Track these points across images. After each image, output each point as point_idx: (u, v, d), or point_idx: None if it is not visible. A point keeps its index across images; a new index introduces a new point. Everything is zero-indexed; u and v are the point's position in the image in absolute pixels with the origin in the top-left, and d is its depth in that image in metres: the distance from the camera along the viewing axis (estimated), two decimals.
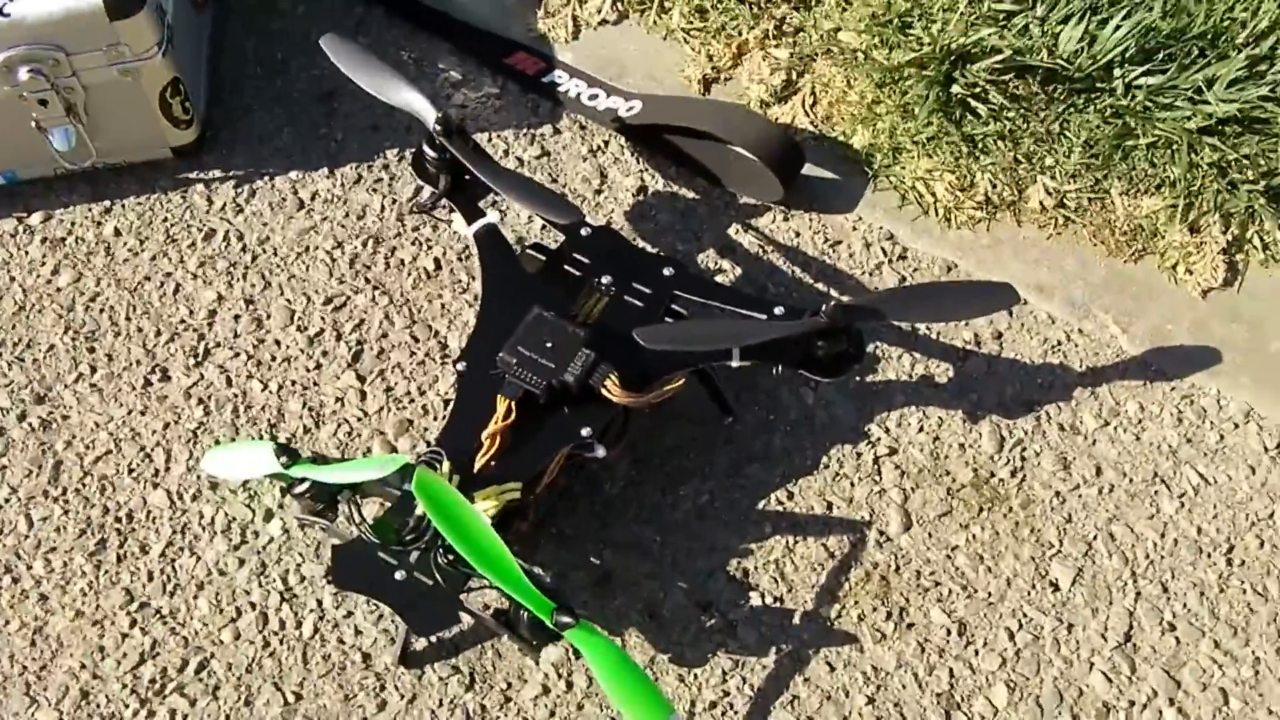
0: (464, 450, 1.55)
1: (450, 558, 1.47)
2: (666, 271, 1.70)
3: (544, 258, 1.74)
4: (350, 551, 1.52)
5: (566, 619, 1.41)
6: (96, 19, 1.73)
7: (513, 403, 1.57)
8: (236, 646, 1.64)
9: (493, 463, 1.55)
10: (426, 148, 1.75)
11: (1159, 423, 1.81)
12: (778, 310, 1.67)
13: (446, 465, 1.52)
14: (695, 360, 1.64)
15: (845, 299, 1.60)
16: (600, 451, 1.60)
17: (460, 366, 1.63)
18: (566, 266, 1.71)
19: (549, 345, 1.59)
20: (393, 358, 1.84)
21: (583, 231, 1.74)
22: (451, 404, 1.67)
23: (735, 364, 1.63)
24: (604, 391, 1.58)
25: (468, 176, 1.76)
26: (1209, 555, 1.72)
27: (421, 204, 1.91)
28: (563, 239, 1.75)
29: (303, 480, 1.57)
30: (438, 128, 1.70)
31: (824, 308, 1.57)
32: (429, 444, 1.62)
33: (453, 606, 1.50)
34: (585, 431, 1.58)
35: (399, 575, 1.48)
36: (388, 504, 1.57)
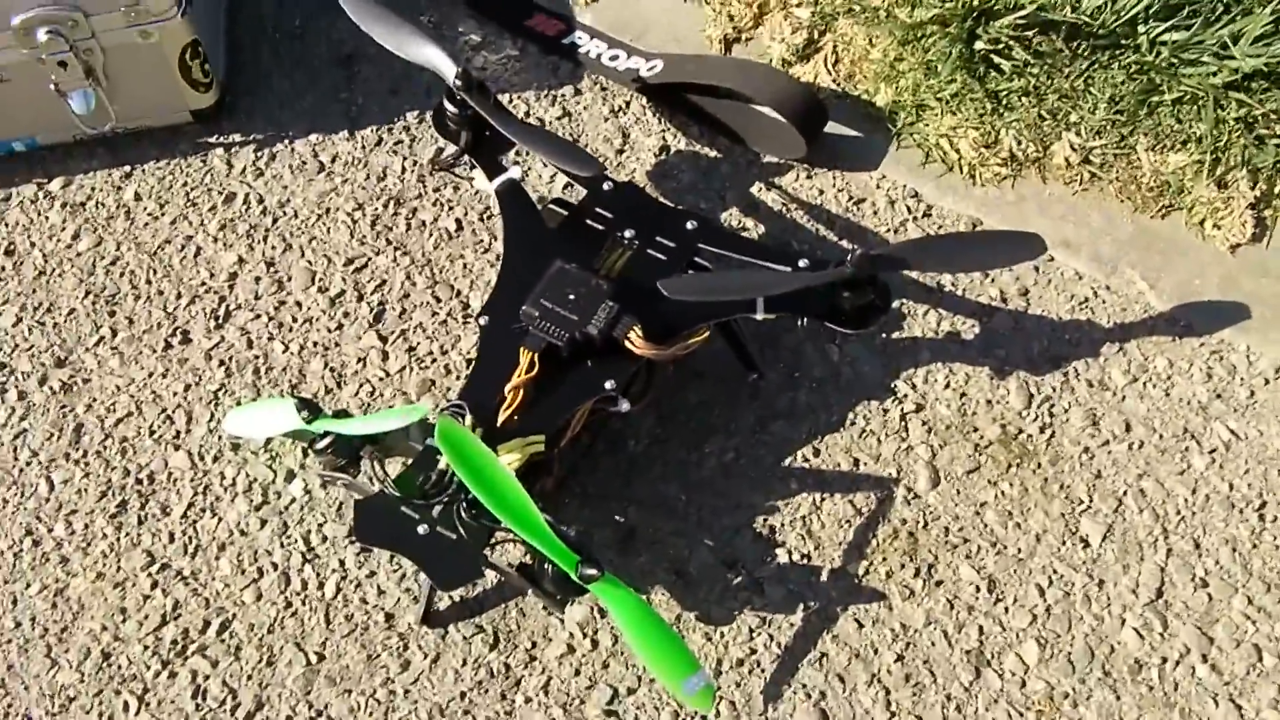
0: (487, 404, 1.54)
1: (473, 511, 1.46)
2: (690, 225, 1.69)
3: (566, 212, 1.73)
4: (373, 506, 1.50)
5: (592, 571, 1.40)
6: None
7: (535, 355, 1.56)
8: (258, 607, 1.63)
9: (516, 416, 1.54)
10: (447, 103, 1.74)
11: (1188, 378, 1.79)
12: (802, 263, 1.65)
13: (469, 418, 1.51)
14: (719, 312, 1.63)
15: (870, 249, 1.58)
16: (624, 405, 1.59)
17: (483, 320, 1.62)
18: (589, 221, 1.70)
19: (572, 298, 1.58)
20: (415, 318, 1.83)
21: (605, 186, 1.73)
22: (474, 358, 1.65)
23: (760, 316, 1.61)
24: (627, 344, 1.57)
25: (488, 132, 1.75)
26: (1241, 511, 1.70)
27: (443, 161, 1.90)
28: (585, 195, 1.74)
29: (325, 435, 1.56)
30: (458, 83, 1.69)
31: (849, 257, 1.55)
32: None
33: (476, 560, 1.49)
34: (609, 384, 1.57)
35: (422, 529, 1.47)
36: (410, 461, 1.55)
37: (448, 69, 1.70)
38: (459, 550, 1.47)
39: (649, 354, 1.57)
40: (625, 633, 1.44)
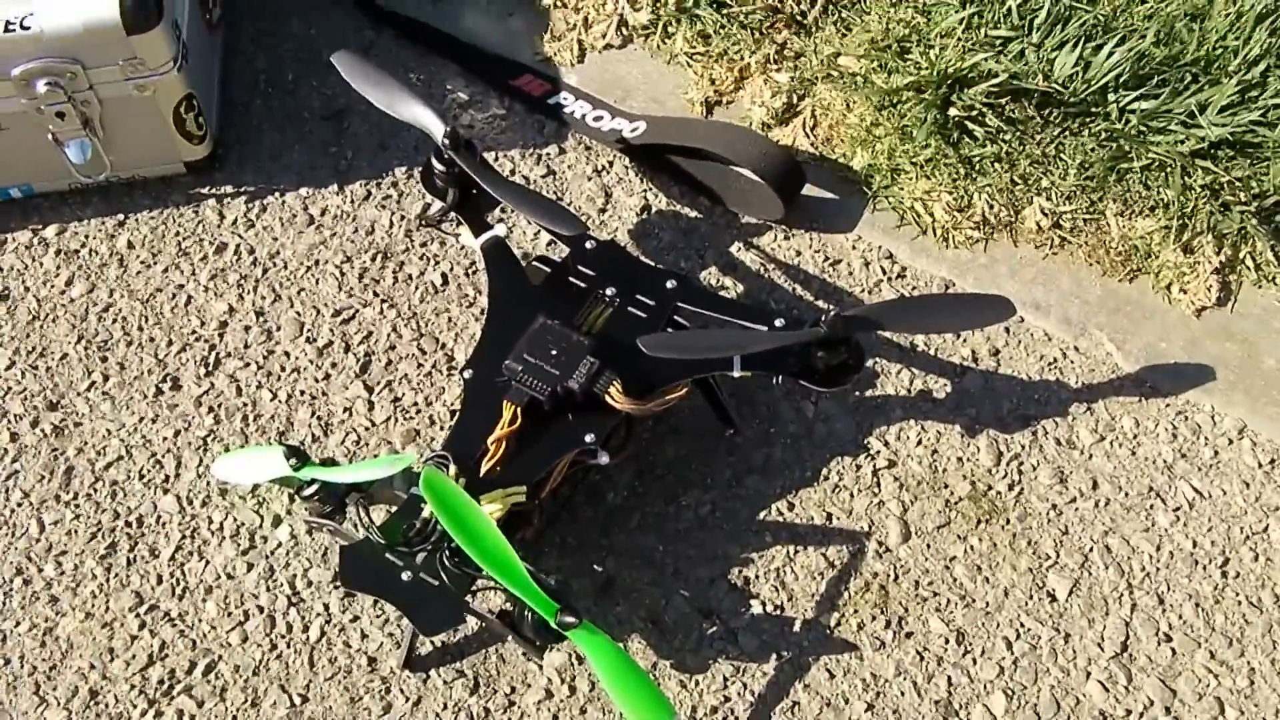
0: (470, 455, 1.57)
1: (456, 559, 1.50)
2: (669, 284, 1.73)
3: (549, 270, 1.77)
4: (358, 552, 1.54)
5: (570, 619, 1.43)
6: (114, 33, 1.76)
7: (518, 408, 1.59)
8: (244, 649, 1.66)
9: (498, 468, 1.57)
10: (435, 161, 1.79)
11: (1154, 438, 1.83)
12: (778, 322, 1.70)
13: (453, 469, 1.54)
14: (697, 369, 1.67)
15: (844, 310, 1.63)
16: (604, 458, 1.62)
17: (467, 374, 1.65)
18: (571, 278, 1.74)
19: (554, 353, 1.62)
20: (400, 369, 1.86)
21: (587, 245, 1.78)
22: (458, 411, 1.69)
23: (736, 374, 1.66)
24: (608, 399, 1.61)
25: (475, 190, 1.79)
26: (1204, 568, 1.74)
27: (430, 217, 1.94)
28: (568, 252, 1.79)
29: (312, 482, 1.60)
30: (446, 141, 1.73)
31: (823, 318, 1.60)
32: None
33: (458, 606, 1.52)
34: (589, 438, 1.60)
35: (406, 576, 1.50)
36: (395, 508, 1.59)
37: (436, 128, 1.74)
38: (442, 597, 1.50)
39: (629, 409, 1.61)
40: (602, 679, 1.48)
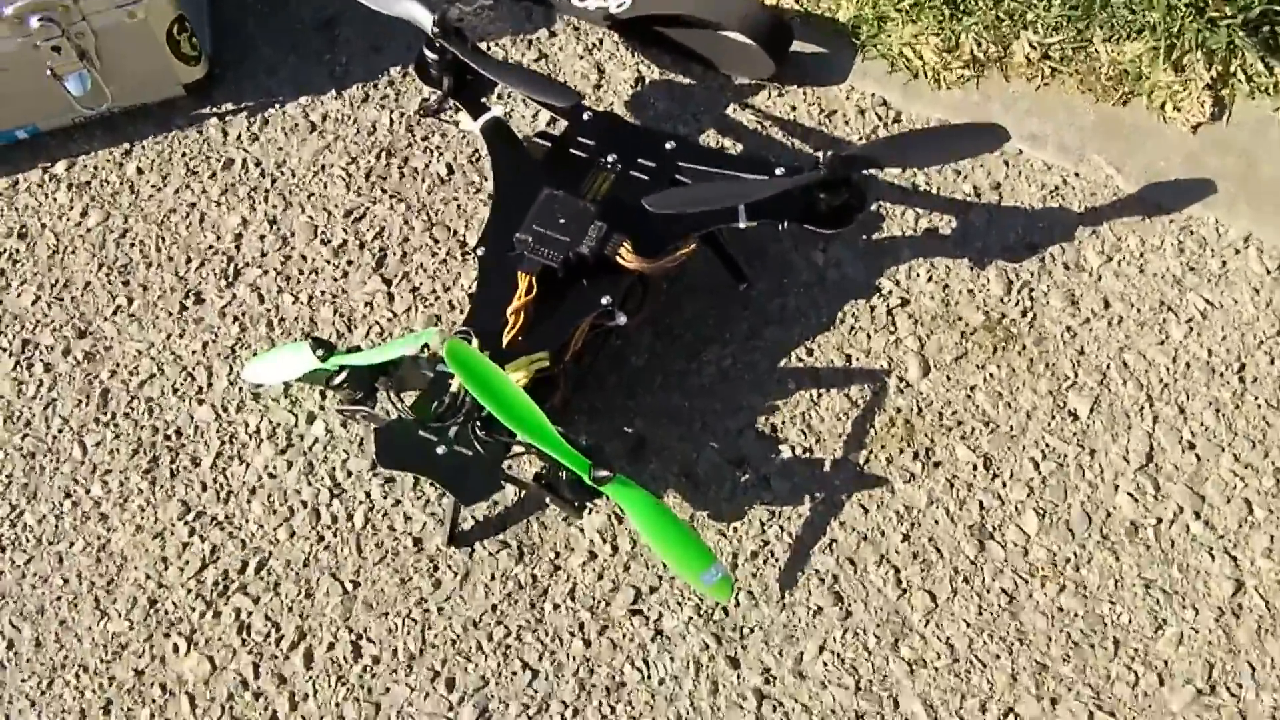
0: (491, 328, 1.61)
1: (488, 428, 1.54)
2: (669, 145, 1.76)
3: (550, 144, 1.80)
4: (392, 431, 1.58)
5: (604, 473, 1.47)
6: None
7: (533, 278, 1.63)
8: (292, 544, 1.71)
9: (519, 338, 1.61)
10: (428, 51, 1.81)
11: (1161, 254, 1.85)
12: (778, 170, 1.72)
13: (476, 342, 1.58)
14: (704, 222, 1.70)
15: (842, 150, 1.65)
16: (621, 319, 1.66)
17: (480, 251, 1.69)
18: (572, 150, 1.77)
19: (562, 221, 1.65)
20: (416, 260, 1.90)
21: (585, 116, 1.80)
22: (474, 288, 1.72)
23: (743, 224, 1.69)
24: (619, 260, 1.64)
25: (469, 75, 1.82)
26: (1221, 375, 1.77)
27: (429, 107, 1.97)
28: (566, 126, 1.81)
29: (340, 370, 1.64)
30: (436, 29, 1.75)
31: (821, 160, 1.62)
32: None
33: (495, 473, 1.56)
34: (605, 300, 1.64)
35: (441, 450, 1.54)
36: (422, 389, 1.63)
37: (425, 18, 1.77)
38: (478, 465, 1.54)
39: (640, 268, 1.64)
40: (642, 532, 1.52)
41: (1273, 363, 1.77)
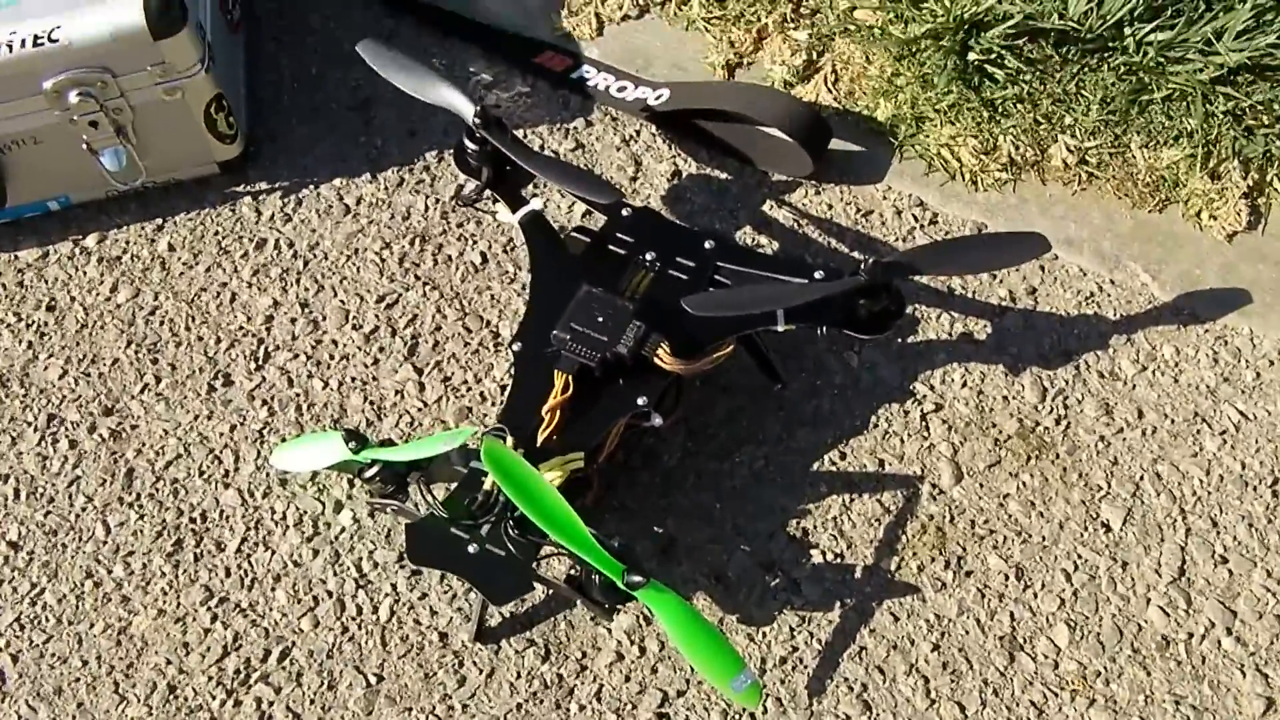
0: (525, 426, 1.60)
1: (521, 528, 1.52)
2: (708, 245, 1.75)
3: (588, 239, 1.79)
4: (423, 528, 1.57)
5: (638, 578, 1.46)
6: (141, 39, 1.78)
7: (569, 377, 1.62)
8: (316, 634, 1.69)
9: (554, 436, 1.60)
10: (467, 141, 1.81)
11: (1195, 364, 1.85)
12: (818, 274, 1.72)
13: (510, 440, 1.57)
14: (742, 325, 1.69)
15: (883, 257, 1.65)
16: (656, 420, 1.65)
17: (516, 347, 1.68)
18: (611, 246, 1.76)
19: (600, 320, 1.65)
20: (448, 349, 1.89)
21: (624, 212, 1.80)
22: (509, 385, 1.72)
23: (781, 328, 1.67)
24: (656, 360, 1.64)
25: (509, 166, 1.81)
26: (1254, 488, 1.76)
27: (467, 197, 1.97)
28: (605, 221, 1.81)
29: (373, 464, 1.63)
30: (477, 120, 1.75)
31: (862, 266, 1.62)
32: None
33: (527, 574, 1.55)
34: (641, 401, 1.63)
35: (472, 548, 1.53)
36: (455, 484, 1.61)
37: (466, 108, 1.76)
38: (509, 566, 1.53)
39: (678, 369, 1.63)
40: (672, 636, 1.50)
41: None
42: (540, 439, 1.59)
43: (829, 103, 2.08)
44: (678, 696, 1.63)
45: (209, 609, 1.71)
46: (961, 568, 1.71)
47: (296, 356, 1.89)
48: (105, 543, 1.76)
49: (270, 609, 1.71)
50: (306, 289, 1.95)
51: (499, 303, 1.92)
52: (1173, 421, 1.81)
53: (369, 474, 1.64)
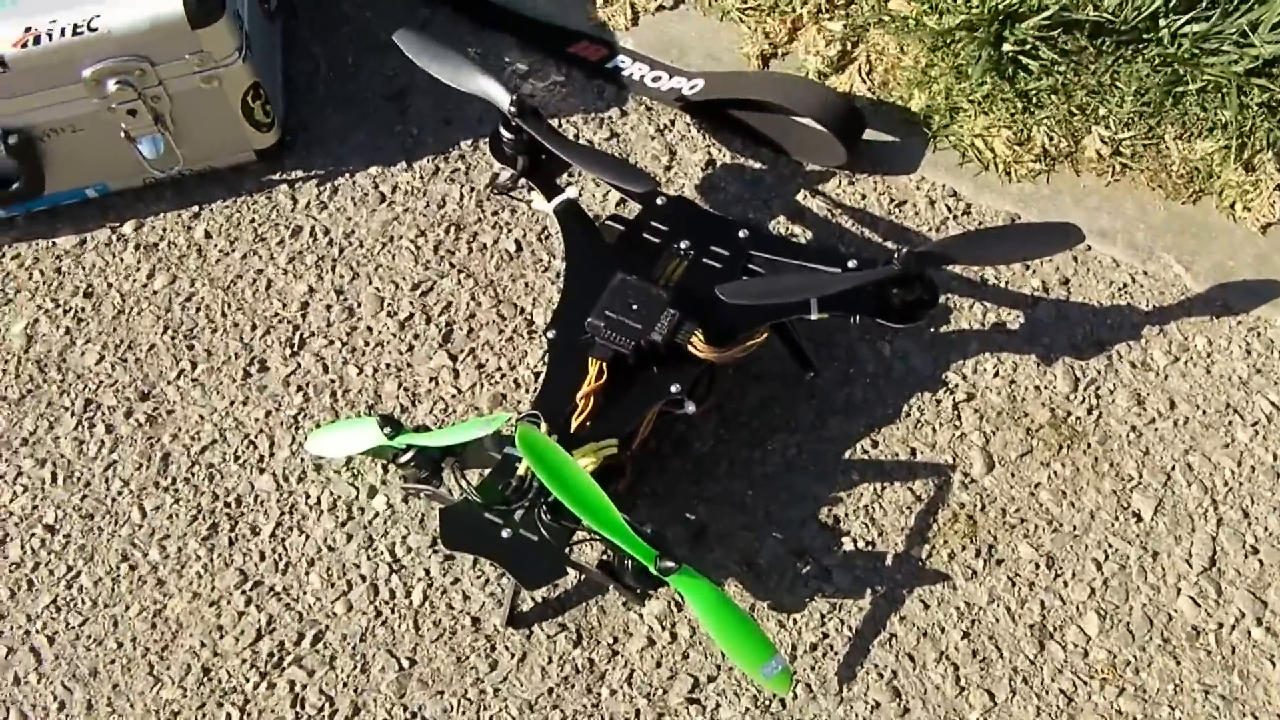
0: (559, 413, 1.61)
1: (554, 513, 1.54)
2: (741, 234, 1.76)
3: (623, 228, 1.80)
4: (457, 513, 1.58)
5: (670, 564, 1.47)
6: (179, 28, 1.80)
7: (604, 364, 1.63)
8: (349, 618, 1.70)
9: (588, 423, 1.61)
10: (503, 130, 1.82)
11: (1228, 355, 1.85)
12: (851, 263, 1.72)
13: (544, 426, 1.58)
14: (775, 313, 1.70)
15: (917, 247, 1.65)
16: (690, 407, 1.65)
17: (550, 334, 1.69)
18: (645, 234, 1.77)
19: (635, 307, 1.65)
20: (482, 336, 1.90)
21: (658, 201, 1.80)
22: (544, 371, 1.73)
23: (814, 316, 1.68)
24: (690, 348, 1.64)
25: (544, 155, 1.82)
26: None
27: (502, 185, 1.98)
28: (639, 210, 1.81)
29: (408, 449, 1.64)
30: (513, 109, 1.76)
31: (896, 256, 1.62)
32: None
33: (560, 559, 1.56)
34: (674, 388, 1.64)
35: (505, 533, 1.54)
36: (488, 470, 1.63)
37: (502, 97, 1.77)
38: (542, 551, 1.54)
39: (711, 357, 1.64)
40: (703, 622, 1.51)
41: None
42: (574, 425, 1.61)
43: (863, 93, 2.09)
44: (708, 682, 1.64)
45: (243, 593, 1.73)
46: (992, 556, 1.71)
47: (332, 343, 1.91)
48: (141, 526, 1.78)
49: (304, 593, 1.72)
50: (342, 276, 1.96)
51: (533, 290, 1.93)
52: (1204, 412, 1.81)
53: (404, 459, 1.66)
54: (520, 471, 1.57)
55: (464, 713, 1.63)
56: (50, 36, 1.78)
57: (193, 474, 1.81)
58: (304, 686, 1.66)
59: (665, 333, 1.64)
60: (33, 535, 1.78)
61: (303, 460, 1.81)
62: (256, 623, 1.71)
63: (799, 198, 2.01)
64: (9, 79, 1.81)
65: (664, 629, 1.67)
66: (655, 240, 1.76)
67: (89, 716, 1.66)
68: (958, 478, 1.77)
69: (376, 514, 1.76)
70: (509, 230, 1.99)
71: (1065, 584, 1.69)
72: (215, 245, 2.00)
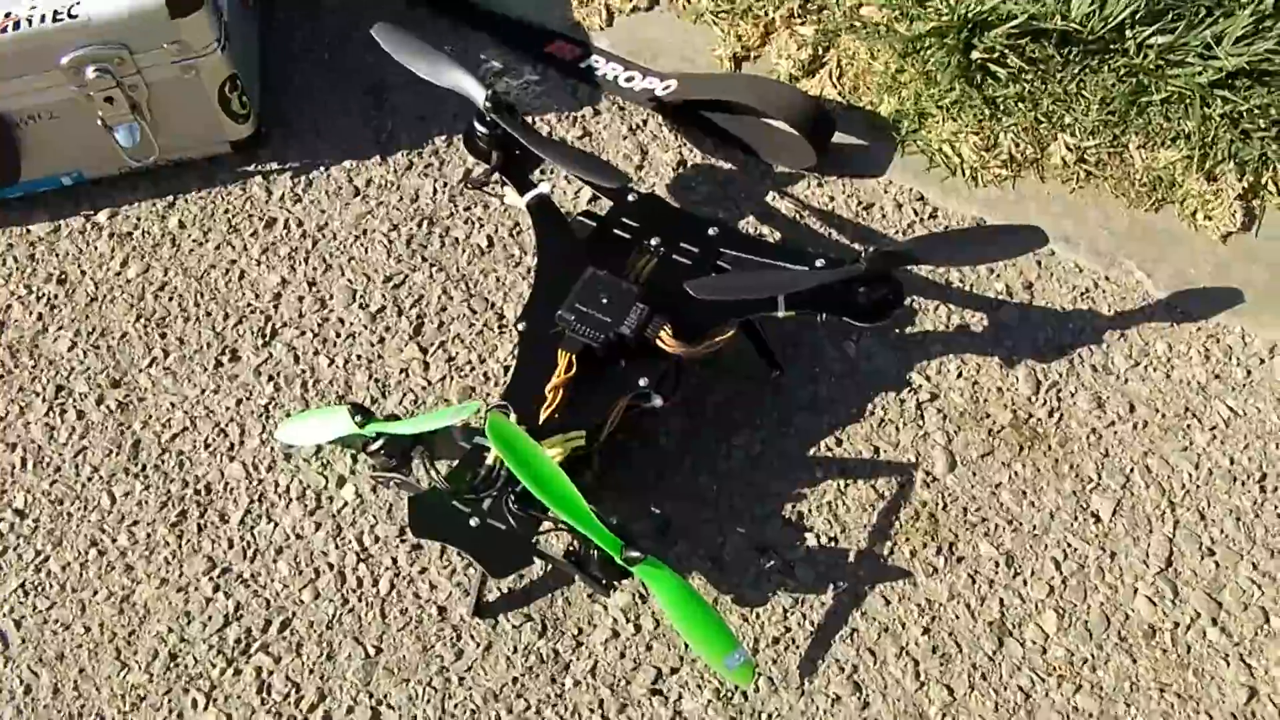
0: (528, 404, 1.62)
1: (522, 503, 1.55)
2: (711, 231, 1.78)
3: (594, 223, 1.82)
4: (425, 501, 1.59)
5: (635, 554, 1.48)
6: (159, 17, 1.82)
7: (573, 356, 1.64)
8: (317, 605, 1.72)
9: (556, 414, 1.63)
10: (478, 125, 1.84)
11: (1187, 361, 1.88)
12: (818, 262, 1.74)
13: (514, 416, 1.59)
14: (743, 310, 1.72)
15: (883, 246, 1.68)
16: (657, 401, 1.67)
17: (521, 326, 1.71)
18: (616, 230, 1.79)
19: (605, 301, 1.67)
20: (453, 329, 1.92)
21: (629, 198, 1.82)
22: (514, 362, 1.74)
23: (781, 314, 1.70)
24: (658, 343, 1.66)
25: (518, 151, 1.84)
26: (1242, 483, 1.79)
27: (475, 179, 1.99)
28: (611, 206, 1.83)
29: (378, 437, 1.65)
30: (488, 104, 1.77)
31: (862, 255, 1.65)
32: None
33: (527, 548, 1.57)
34: (642, 382, 1.65)
35: (473, 522, 1.56)
36: (457, 459, 1.64)
37: (477, 92, 1.79)
38: (510, 540, 1.56)
39: (679, 352, 1.66)
40: (668, 612, 1.53)
41: None
42: (543, 416, 1.62)
43: (833, 97, 2.11)
44: (671, 673, 1.66)
45: (211, 579, 1.74)
46: (953, 554, 1.74)
47: (303, 334, 1.92)
48: (110, 512, 1.79)
49: (272, 580, 1.73)
50: (315, 268, 1.98)
51: (504, 285, 1.95)
52: (1164, 416, 1.83)
53: (373, 447, 1.67)
54: (489, 461, 1.58)
55: (429, 700, 1.65)
56: (30, 22, 1.80)
57: (163, 461, 1.83)
58: (270, 673, 1.67)
59: (634, 327, 1.66)
60: (1, 519, 1.79)
61: (273, 449, 1.82)
62: (224, 609, 1.72)
63: (769, 198, 2.03)
64: None
65: (628, 621, 1.69)
66: (626, 236, 1.78)
67: (55, 700, 1.67)
68: (920, 476, 1.79)
69: (345, 503, 1.78)
70: (481, 225, 2.01)
71: (1024, 582, 1.72)
72: (189, 235, 2.02)
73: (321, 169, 2.08)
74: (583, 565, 1.58)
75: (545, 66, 2.18)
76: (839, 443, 1.81)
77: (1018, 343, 1.89)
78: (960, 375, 1.86)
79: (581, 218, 1.84)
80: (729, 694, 1.64)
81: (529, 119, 2.10)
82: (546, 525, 1.58)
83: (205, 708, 1.65)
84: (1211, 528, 1.75)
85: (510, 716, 1.64)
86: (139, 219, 2.03)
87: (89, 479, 1.82)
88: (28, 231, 2.03)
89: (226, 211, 2.03)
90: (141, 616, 1.72)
